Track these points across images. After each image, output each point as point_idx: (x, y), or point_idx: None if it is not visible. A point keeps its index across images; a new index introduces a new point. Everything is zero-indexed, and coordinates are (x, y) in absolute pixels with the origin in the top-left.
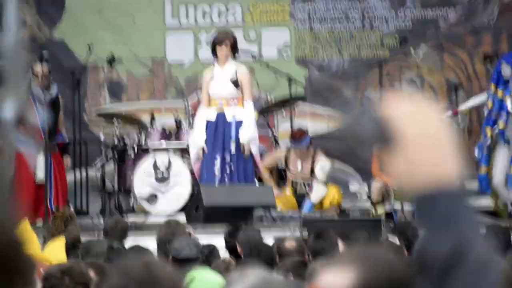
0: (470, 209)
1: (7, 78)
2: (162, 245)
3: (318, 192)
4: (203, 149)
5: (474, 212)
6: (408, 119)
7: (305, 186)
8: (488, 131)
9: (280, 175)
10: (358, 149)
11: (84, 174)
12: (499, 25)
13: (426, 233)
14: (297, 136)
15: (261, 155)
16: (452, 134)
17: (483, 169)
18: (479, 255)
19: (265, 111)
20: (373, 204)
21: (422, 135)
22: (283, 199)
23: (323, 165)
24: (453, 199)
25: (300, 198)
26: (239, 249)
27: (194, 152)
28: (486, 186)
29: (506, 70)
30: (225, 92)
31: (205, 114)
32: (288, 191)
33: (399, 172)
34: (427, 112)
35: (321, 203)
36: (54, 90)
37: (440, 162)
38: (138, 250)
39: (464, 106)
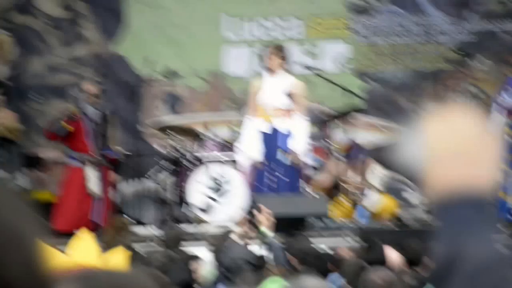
0: (488, 218)
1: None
2: (217, 255)
3: (372, 199)
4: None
5: (492, 221)
6: (441, 131)
7: (359, 196)
8: None
9: (335, 186)
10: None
11: (140, 184)
12: None
13: (440, 239)
14: (346, 150)
15: (317, 167)
16: (489, 144)
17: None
18: (476, 264)
19: (324, 123)
20: (429, 213)
21: (453, 146)
22: (340, 207)
23: (374, 171)
24: (474, 208)
25: (356, 208)
26: (292, 258)
27: (247, 162)
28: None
29: None
30: (277, 102)
31: (256, 125)
32: (344, 201)
33: (432, 181)
34: (462, 123)
35: (377, 212)
36: (106, 108)
37: (470, 171)
38: (190, 258)
39: None
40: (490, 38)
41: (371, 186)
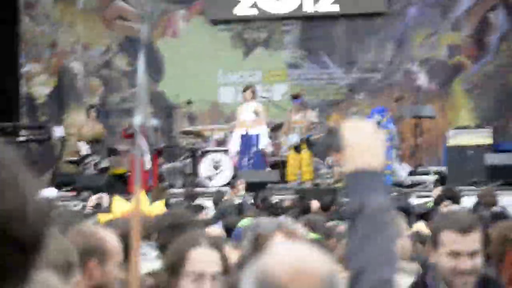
0: (382, 183)
1: (140, 101)
2: (216, 204)
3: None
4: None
5: (385, 185)
6: (352, 131)
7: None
8: None
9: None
10: (331, 151)
11: (173, 165)
12: (403, 81)
13: (350, 197)
14: (295, 96)
15: (272, 152)
16: (379, 140)
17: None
18: (374, 209)
19: (274, 129)
20: (335, 181)
21: (360, 139)
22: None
23: (311, 113)
24: (371, 177)
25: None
26: (259, 205)
27: (231, 153)
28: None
29: (377, 118)
30: (249, 118)
31: (239, 131)
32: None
33: (345, 160)
34: (364, 127)
35: (303, 178)
36: (155, 122)
37: (369, 155)
38: (201, 207)
39: None
40: (365, 82)
41: (309, 119)
